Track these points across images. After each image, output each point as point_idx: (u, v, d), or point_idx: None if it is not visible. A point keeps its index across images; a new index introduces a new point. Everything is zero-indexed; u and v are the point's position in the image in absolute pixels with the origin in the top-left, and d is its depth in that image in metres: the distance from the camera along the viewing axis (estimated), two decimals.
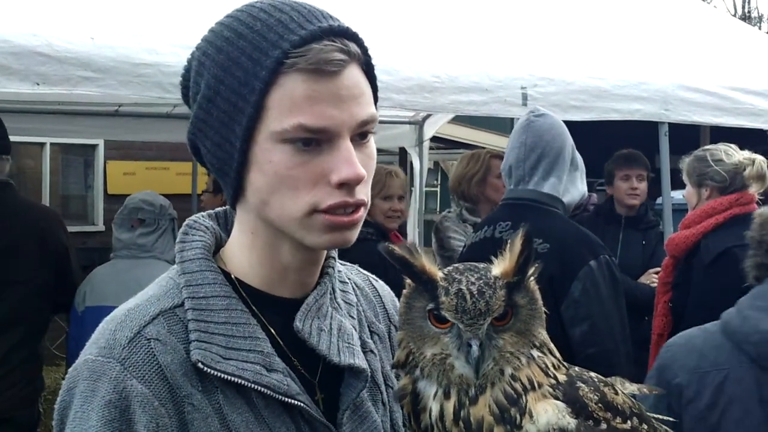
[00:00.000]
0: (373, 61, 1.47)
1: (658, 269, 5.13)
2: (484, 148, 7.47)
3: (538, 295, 1.58)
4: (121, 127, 7.17)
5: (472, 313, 1.46)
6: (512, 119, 5.55)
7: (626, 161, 5.97)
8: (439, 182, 18.99)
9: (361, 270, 1.79)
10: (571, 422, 1.52)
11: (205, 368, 1.39)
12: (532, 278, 1.56)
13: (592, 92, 4.87)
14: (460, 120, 10.42)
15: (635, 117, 5.07)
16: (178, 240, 1.54)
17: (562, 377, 1.56)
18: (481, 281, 1.49)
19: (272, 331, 1.49)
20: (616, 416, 1.58)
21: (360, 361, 1.56)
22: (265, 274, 1.51)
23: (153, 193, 5.18)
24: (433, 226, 5.85)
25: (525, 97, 4.58)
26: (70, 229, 9.84)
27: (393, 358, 1.67)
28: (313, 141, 1.39)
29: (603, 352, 3.23)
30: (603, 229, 5.67)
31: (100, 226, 10.60)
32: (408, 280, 1.55)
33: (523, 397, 1.50)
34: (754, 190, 4.56)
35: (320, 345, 1.51)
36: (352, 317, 1.63)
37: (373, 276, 1.80)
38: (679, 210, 6.25)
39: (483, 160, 6.03)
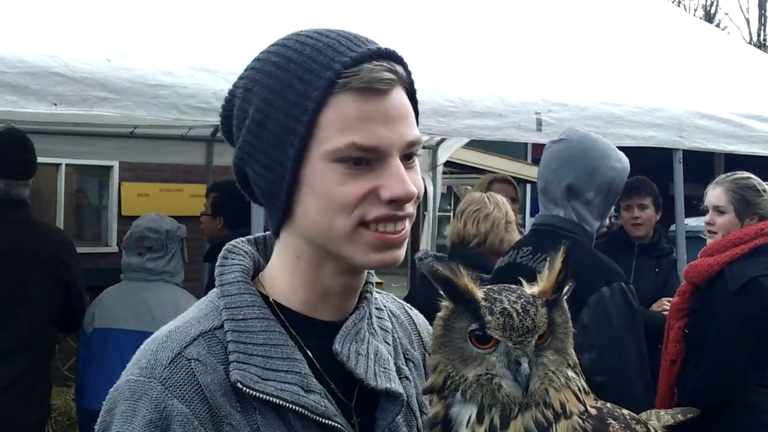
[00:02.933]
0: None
1: (671, 298, 5.09)
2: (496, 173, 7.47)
3: (569, 314, 1.59)
4: (136, 148, 7.20)
5: (521, 330, 1.47)
6: (526, 144, 5.56)
7: (626, 191, 5.94)
8: (452, 207, 18.97)
9: (396, 298, 1.81)
10: None
11: (244, 388, 1.41)
12: (565, 297, 1.57)
13: (606, 118, 4.87)
14: (473, 145, 10.42)
15: (649, 144, 5.07)
16: (217, 264, 1.55)
17: (591, 409, 1.56)
18: (522, 300, 1.50)
19: (309, 353, 1.50)
20: None
21: (396, 386, 1.56)
22: (306, 297, 1.53)
23: (158, 216, 5.15)
24: (446, 251, 5.84)
25: (539, 122, 4.58)
26: (84, 249, 9.90)
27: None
28: (364, 160, 1.41)
29: (613, 381, 3.14)
30: (616, 256, 5.63)
31: (114, 247, 10.63)
32: (445, 302, 1.54)
33: (554, 426, 1.49)
34: None
35: (358, 369, 1.52)
36: (388, 343, 1.64)
37: (408, 304, 1.82)
38: (693, 237, 6.23)
39: (484, 184, 6.06)
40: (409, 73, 1.49)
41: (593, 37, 5.80)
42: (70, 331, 5.37)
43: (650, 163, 6.03)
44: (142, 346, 1.47)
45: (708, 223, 4.67)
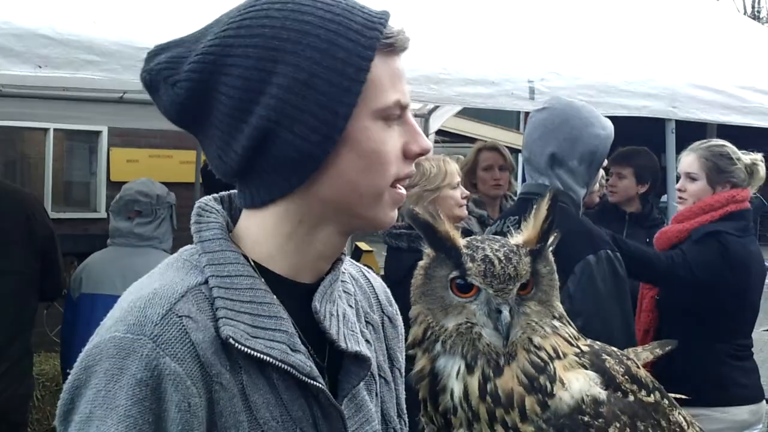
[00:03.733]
0: None
1: None
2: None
3: (554, 266, 1.60)
4: (126, 114, 7.16)
5: (502, 278, 1.47)
6: (518, 113, 5.53)
7: (614, 158, 5.93)
8: None
9: (354, 261, 1.79)
10: (602, 392, 1.52)
11: (237, 344, 1.37)
12: (550, 248, 1.58)
13: (599, 88, 4.84)
14: (465, 114, 10.39)
15: (643, 113, 5.03)
16: (192, 222, 1.52)
17: (584, 347, 1.57)
18: (505, 248, 1.51)
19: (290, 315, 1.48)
20: (641, 389, 1.60)
21: (364, 349, 1.55)
22: (296, 261, 1.50)
23: (149, 181, 5.10)
24: None
25: (532, 90, 4.55)
26: (72, 215, 9.86)
27: (386, 350, 1.68)
28: (396, 117, 1.46)
29: None
30: (608, 226, 5.64)
31: (103, 213, 10.56)
32: (426, 250, 1.55)
33: (550, 364, 1.49)
34: (754, 189, 4.53)
35: (331, 329, 1.51)
36: (351, 306, 1.62)
37: (366, 267, 1.80)
38: None
39: (473, 152, 6.02)
40: None
41: (587, 5, 5.75)
42: (51, 299, 5.27)
43: (642, 134, 6.01)
44: (125, 304, 1.41)
45: (679, 190, 4.65)
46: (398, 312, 1.77)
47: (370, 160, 1.43)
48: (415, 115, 7.19)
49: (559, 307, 1.58)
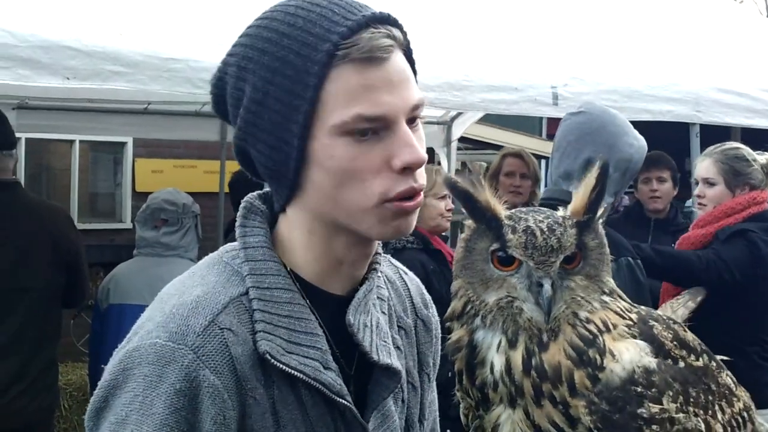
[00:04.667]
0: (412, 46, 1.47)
1: None
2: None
3: (605, 240, 1.54)
4: (150, 125, 7.19)
5: (543, 249, 1.42)
6: (541, 119, 5.52)
7: (645, 163, 5.87)
8: None
9: (393, 261, 1.75)
10: (652, 361, 1.47)
11: (273, 360, 1.37)
12: (600, 220, 1.52)
13: (623, 92, 4.82)
14: (488, 120, 10.36)
15: (667, 118, 5.02)
16: (238, 224, 1.50)
17: (633, 315, 1.52)
18: (549, 219, 1.45)
19: (323, 327, 1.47)
20: (690, 354, 1.55)
21: (395, 362, 1.53)
22: (320, 269, 1.48)
23: (175, 191, 5.13)
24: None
25: (555, 96, 4.54)
26: (98, 226, 9.92)
27: (416, 355, 1.65)
28: (370, 130, 1.37)
29: None
30: (632, 231, 5.60)
31: (128, 224, 10.61)
32: (468, 222, 1.50)
33: (600, 338, 1.44)
34: None
35: (364, 341, 1.49)
36: (384, 312, 1.60)
37: (404, 268, 1.76)
38: None
39: (498, 158, 6.02)
40: (405, 35, 1.45)
41: (610, 10, 5.74)
42: (73, 307, 5.24)
43: (666, 138, 5.98)
44: (163, 308, 1.40)
45: (698, 196, 4.61)
46: (435, 315, 1.73)
47: (340, 177, 1.38)
48: (437, 123, 7.19)
49: (610, 282, 1.53)
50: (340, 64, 1.36)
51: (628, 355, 1.45)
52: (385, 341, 1.54)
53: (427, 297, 1.74)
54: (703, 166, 4.56)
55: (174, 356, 1.32)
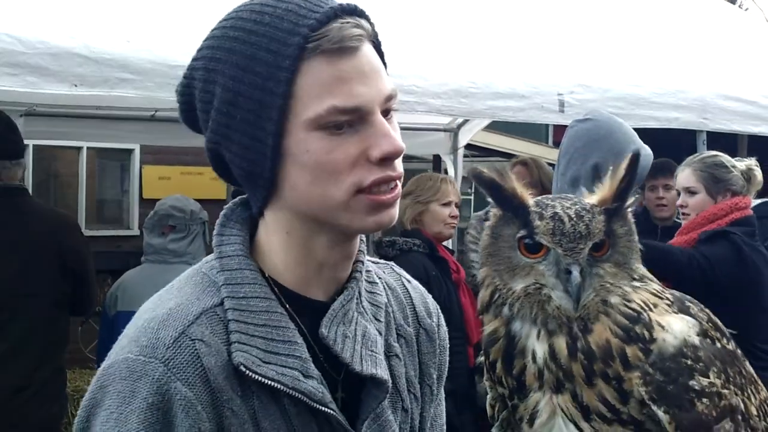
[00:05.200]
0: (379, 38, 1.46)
1: None
2: (518, 156, 7.41)
3: (634, 227, 1.53)
4: (158, 131, 7.18)
5: (572, 236, 1.41)
6: (547, 126, 5.51)
7: (651, 171, 5.86)
8: (473, 190, 18.89)
9: (395, 268, 1.73)
10: (696, 339, 1.47)
11: (248, 372, 1.36)
12: (629, 209, 1.51)
13: (629, 100, 4.83)
14: (494, 127, 10.37)
15: (673, 125, 5.02)
16: (215, 232, 1.49)
17: (671, 297, 1.51)
18: (577, 206, 1.44)
19: (306, 334, 1.45)
20: (723, 336, 1.55)
21: (381, 372, 1.51)
22: (301, 273, 1.46)
23: (183, 197, 5.13)
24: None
25: (562, 103, 4.55)
26: (105, 233, 9.91)
27: (418, 365, 1.62)
28: (345, 123, 1.36)
29: None
30: (639, 239, 5.59)
31: (135, 230, 10.64)
32: (493, 210, 1.49)
33: (644, 313, 1.43)
34: (752, 195, 4.54)
35: (344, 352, 1.46)
36: (379, 320, 1.57)
37: (407, 276, 1.73)
38: None
39: (508, 167, 6.02)
40: (373, 26, 1.43)
41: (616, 18, 5.74)
42: (81, 315, 5.24)
43: (673, 146, 5.97)
44: (139, 323, 1.40)
45: (681, 206, 4.62)
46: (442, 324, 1.70)
47: (315, 172, 1.36)
48: (444, 130, 7.20)
49: (640, 269, 1.51)
50: (311, 56, 1.34)
51: (677, 326, 1.45)
52: (372, 350, 1.51)
53: (432, 306, 1.71)
54: (684, 175, 4.58)
55: (145, 370, 1.32)
